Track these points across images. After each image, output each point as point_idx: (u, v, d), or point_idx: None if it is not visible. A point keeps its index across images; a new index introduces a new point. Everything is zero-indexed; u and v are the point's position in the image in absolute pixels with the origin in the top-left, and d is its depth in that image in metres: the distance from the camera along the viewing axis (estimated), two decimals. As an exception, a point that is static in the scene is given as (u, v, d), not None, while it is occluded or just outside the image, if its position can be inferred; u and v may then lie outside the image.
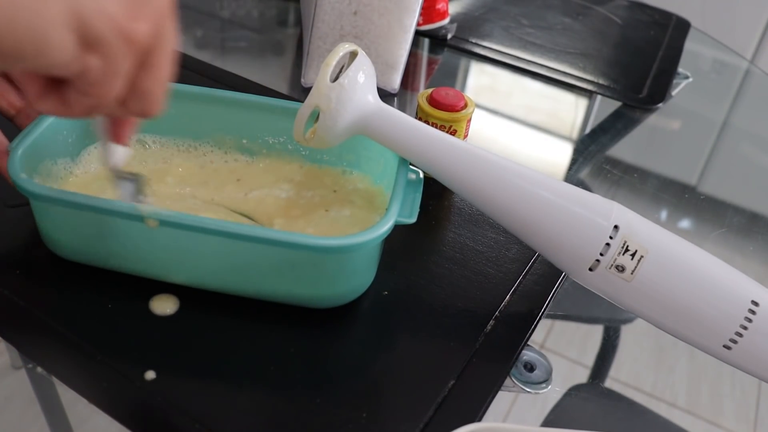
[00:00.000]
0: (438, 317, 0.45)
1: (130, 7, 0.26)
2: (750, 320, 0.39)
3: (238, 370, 0.40)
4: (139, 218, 0.39)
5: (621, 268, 0.41)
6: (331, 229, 0.47)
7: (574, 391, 0.44)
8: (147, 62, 0.28)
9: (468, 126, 0.56)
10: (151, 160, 0.51)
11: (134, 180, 0.40)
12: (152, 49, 0.28)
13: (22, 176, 0.41)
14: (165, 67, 0.29)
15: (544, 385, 0.43)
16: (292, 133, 0.45)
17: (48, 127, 0.45)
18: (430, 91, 0.56)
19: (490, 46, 0.85)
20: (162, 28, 0.28)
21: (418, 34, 0.84)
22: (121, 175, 0.40)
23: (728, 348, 0.40)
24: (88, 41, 0.26)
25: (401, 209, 0.42)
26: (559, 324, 0.49)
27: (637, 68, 0.85)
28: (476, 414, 0.40)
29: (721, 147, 0.79)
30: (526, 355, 0.45)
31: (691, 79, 0.86)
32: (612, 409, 0.46)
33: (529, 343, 0.45)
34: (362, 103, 0.43)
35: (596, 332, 0.51)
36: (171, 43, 0.29)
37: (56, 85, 0.29)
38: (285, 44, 0.87)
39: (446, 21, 0.86)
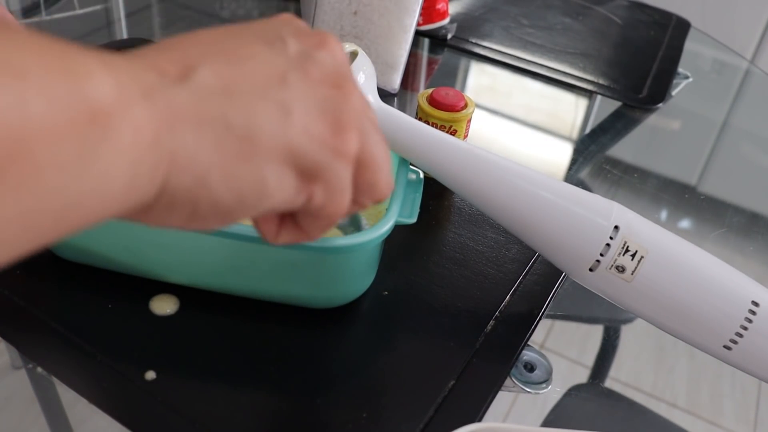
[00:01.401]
0: (438, 317, 0.45)
1: (332, 120, 0.25)
2: (750, 320, 0.39)
3: (238, 370, 0.40)
4: (139, 218, 0.39)
5: (621, 269, 0.41)
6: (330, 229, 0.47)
7: (574, 391, 0.44)
8: (362, 161, 0.27)
9: (468, 126, 0.56)
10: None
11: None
12: (362, 149, 0.27)
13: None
14: (380, 154, 0.28)
15: (544, 385, 0.43)
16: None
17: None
18: (430, 91, 0.56)
19: (490, 46, 0.85)
20: (364, 125, 0.26)
21: (418, 34, 0.84)
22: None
23: (728, 348, 0.40)
24: (308, 172, 0.25)
25: (401, 209, 0.42)
26: (559, 324, 0.49)
27: (637, 68, 0.85)
28: (476, 414, 0.40)
29: (721, 147, 0.79)
30: (526, 355, 0.45)
31: (691, 79, 0.86)
32: (612, 409, 0.46)
33: (529, 343, 0.45)
34: (362, 103, 0.43)
35: (596, 332, 0.51)
36: (376, 132, 0.28)
37: (288, 217, 0.28)
38: (285, 44, 0.87)
39: (446, 21, 0.86)
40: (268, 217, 0.28)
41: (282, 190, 0.24)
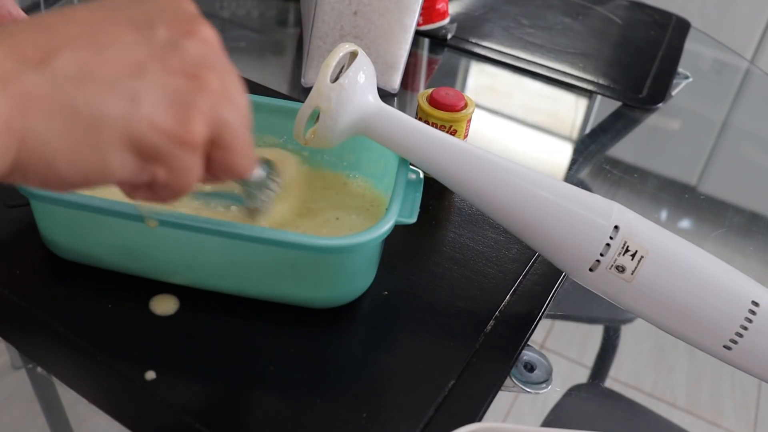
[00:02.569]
0: (438, 317, 0.45)
1: (179, 110, 0.26)
2: (750, 320, 0.39)
3: (238, 370, 0.40)
4: (139, 218, 0.39)
5: (621, 269, 0.41)
6: (331, 229, 0.47)
7: (574, 391, 0.44)
8: (217, 143, 0.28)
9: (468, 126, 0.56)
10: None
11: (266, 166, 0.41)
12: (217, 134, 0.28)
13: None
14: (237, 139, 0.29)
15: (544, 385, 0.43)
16: (292, 134, 0.45)
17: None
18: (430, 91, 0.56)
19: (490, 46, 0.85)
20: (221, 113, 0.28)
21: (418, 34, 0.84)
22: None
23: (728, 348, 0.40)
24: (149, 157, 0.26)
25: (401, 209, 0.42)
26: (559, 324, 0.49)
27: (637, 68, 0.85)
28: (476, 414, 0.40)
29: (721, 147, 0.79)
30: (526, 355, 0.45)
31: (691, 79, 0.86)
32: (612, 409, 0.46)
33: (529, 343, 0.45)
34: (362, 104, 0.43)
35: (596, 332, 0.51)
36: (238, 117, 0.29)
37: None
38: (285, 44, 0.87)
39: (446, 21, 0.86)
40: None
41: (124, 170, 0.26)
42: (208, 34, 0.28)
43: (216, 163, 0.29)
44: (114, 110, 0.25)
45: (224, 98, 0.28)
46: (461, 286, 0.48)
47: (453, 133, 0.55)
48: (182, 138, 0.26)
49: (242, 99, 0.29)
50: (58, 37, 0.25)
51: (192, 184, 0.28)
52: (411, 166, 0.46)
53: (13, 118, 0.23)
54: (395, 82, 0.71)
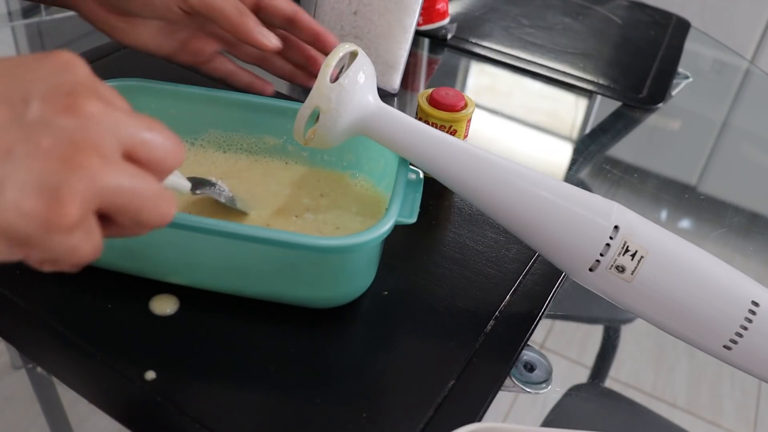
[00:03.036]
0: (438, 317, 0.45)
1: (51, 195, 0.25)
2: (750, 320, 0.39)
3: (238, 370, 0.40)
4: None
5: (621, 269, 0.41)
6: (338, 227, 0.47)
7: (574, 391, 0.44)
8: (114, 209, 0.27)
9: (468, 126, 0.56)
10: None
11: (212, 185, 0.45)
12: (109, 203, 0.27)
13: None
14: (135, 199, 0.27)
15: (544, 385, 0.43)
16: (292, 134, 0.45)
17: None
18: (430, 91, 0.56)
19: (490, 46, 0.85)
20: (105, 182, 0.26)
21: (418, 34, 0.84)
22: (200, 190, 0.44)
23: (728, 348, 0.40)
24: (19, 242, 0.25)
25: (401, 209, 0.42)
26: (559, 324, 0.49)
27: (637, 68, 0.85)
28: (476, 414, 0.40)
29: (721, 147, 0.79)
30: (526, 355, 0.45)
31: (691, 79, 0.86)
32: (612, 409, 0.46)
33: (529, 343, 0.45)
34: (362, 104, 0.43)
35: (596, 332, 0.51)
36: (127, 175, 0.27)
37: None
38: (285, 44, 0.87)
39: (446, 21, 0.86)
40: None
41: None
42: (90, 108, 0.26)
43: (122, 224, 0.28)
44: None
45: (106, 167, 0.26)
46: (461, 286, 0.48)
47: (453, 133, 0.55)
48: (53, 223, 0.25)
49: (124, 169, 0.27)
50: None
51: (87, 255, 0.27)
52: (411, 166, 0.46)
53: None
54: (395, 82, 0.71)
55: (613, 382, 0.47)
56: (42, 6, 0.83)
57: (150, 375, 0.39)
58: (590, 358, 0.48)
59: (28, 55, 0.27)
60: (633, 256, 0.40)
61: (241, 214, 0.47)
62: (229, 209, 0.47)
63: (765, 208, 0.69)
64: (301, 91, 0.70)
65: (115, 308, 0.43)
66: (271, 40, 0.49)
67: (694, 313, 0.40)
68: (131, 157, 0.28)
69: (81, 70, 0.28)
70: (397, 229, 0.41)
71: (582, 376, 0.47)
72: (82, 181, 0.25)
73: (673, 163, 0.74)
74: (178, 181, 0.38)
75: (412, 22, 0.68)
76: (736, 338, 0.40)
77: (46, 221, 0.25)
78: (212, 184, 0.46)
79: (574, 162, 0.69)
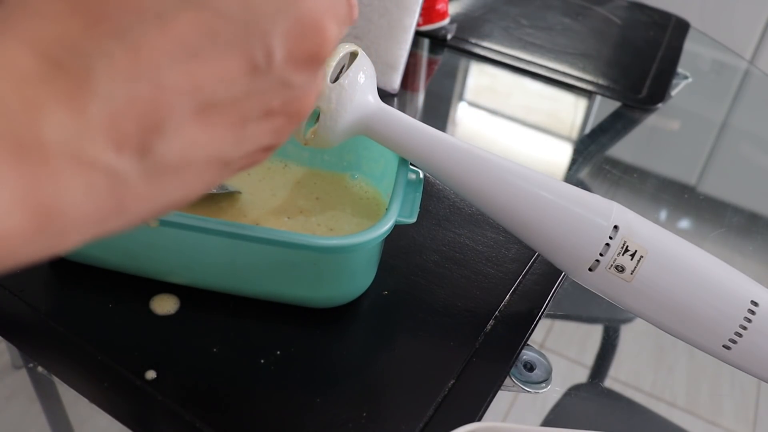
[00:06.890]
0: (438, 317, 0.45)
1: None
2: (750, 320, 0.39)
3: (238, 369, 0.40)
4: (140, 218, 0.39)
5: (621, 269, 0.41)
6: (331, 229, 0.47)
7: (574, 391, 0.45)
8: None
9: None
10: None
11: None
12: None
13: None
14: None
15: (543, 384, 0.43)
16: (292, 134, 0.45)
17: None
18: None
19: (490, 46, 0.85)
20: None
21: (418, 34, 0.84)
22: None
23: (728, 348, 0.40)
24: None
25: (401, 209, 0.42)
26: (559, 324, 0.49)
27: (637, 68, 0.86)
28: (476, 414, 0.40)
29: (720, 147, 0.79)
30: (526, 354, 0.45)
31: (690, 80, 0.86)
32: (612, 409, 0.46)
33: (529, 342, 0.45)
34: (363, 104, 0.43)
35: (596, 332, 0.51)
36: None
37: None
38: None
39: (446, 21, 0.86)
40: None
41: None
42: (327, 43, 0.23)
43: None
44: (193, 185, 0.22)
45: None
46: (461, 286, 0.48)
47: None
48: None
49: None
50: (160, 102, 0.19)
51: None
52: (411, 166, 0.46)
53: (109, 216, 0.20)
54: (395, 82, 0.71)
55: (612, 381, 0.47)
56: None
57: (150, 374, 0.39)
58: (590, 357, 0.48)
59: None
60: (632, 255, 0.40)
61: (234, 196, 0.47)
62: (221, 196, 0.47)
63: (764, 208, 0.69)
64: (301, 91, 0.70)
65: (116, 308, 0.43)
66: None
67: (694, 313, 0.40)
68: None
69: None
70: (397, 229, 0.41)
71: (582, 375, 0.47)
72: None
73: (672, 163, 0.74)
74: None
75: (412, 22, 0.68)
76: (736, 338, 0.40)
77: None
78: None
79: (573, 162, 0.69)
